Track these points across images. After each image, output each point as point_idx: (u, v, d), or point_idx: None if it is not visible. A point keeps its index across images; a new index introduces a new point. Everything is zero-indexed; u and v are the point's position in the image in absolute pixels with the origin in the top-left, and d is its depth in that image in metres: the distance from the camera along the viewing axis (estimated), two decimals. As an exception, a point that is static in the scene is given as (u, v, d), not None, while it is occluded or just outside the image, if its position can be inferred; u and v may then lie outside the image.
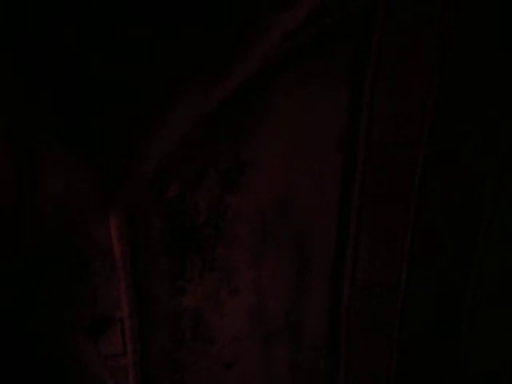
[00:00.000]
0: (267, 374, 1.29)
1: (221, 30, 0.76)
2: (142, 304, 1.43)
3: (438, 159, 1.17)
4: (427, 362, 1.14)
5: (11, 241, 0.69)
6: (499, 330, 1.18)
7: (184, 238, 1.37)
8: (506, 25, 1.08)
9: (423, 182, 1.16)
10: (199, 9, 0.73)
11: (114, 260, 1.29)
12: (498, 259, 1.17)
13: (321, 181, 1.17)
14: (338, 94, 1.14)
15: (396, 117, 1.16)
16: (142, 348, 1.43)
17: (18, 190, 0.60)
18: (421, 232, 1.18)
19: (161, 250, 1.39)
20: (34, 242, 0.76)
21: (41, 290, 0.97)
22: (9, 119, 0.57)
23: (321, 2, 1.04)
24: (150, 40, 0.71)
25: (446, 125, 1.16)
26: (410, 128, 1.15)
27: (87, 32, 0.64)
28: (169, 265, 1.41)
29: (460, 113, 1.16)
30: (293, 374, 1.26)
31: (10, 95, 0.59)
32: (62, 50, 0.62)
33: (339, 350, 1.15)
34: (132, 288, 1.42)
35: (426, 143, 1.16)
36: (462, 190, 1.15)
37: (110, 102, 0.69)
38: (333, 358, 1.18)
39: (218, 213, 1.27)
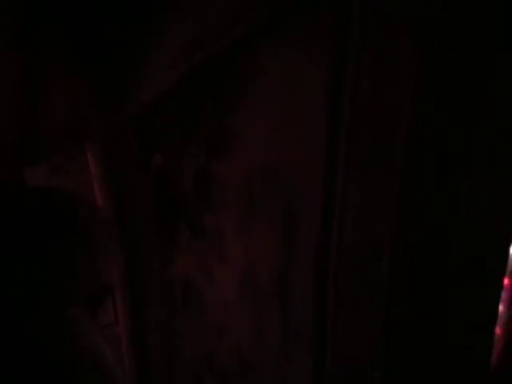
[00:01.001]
0: (259, 338, 1.32)
1: None
2: (133, 276, 1.44)
3: (421, 124, 1.17)
4: (414, 333, 1.16)
5: (9, 162, 0.67)
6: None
7: (171, 207, 1.37)
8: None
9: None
10: None
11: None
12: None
13: (308, 145, 1.17)
14: (323, 57, 1.13)
15: (381, 80, 1.15)
16: (133, 318, 1.46)
17: (24, 106, 0.59)
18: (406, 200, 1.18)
19: (148, 222, 1.39)
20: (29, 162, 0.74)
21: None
22: (16, 35, 0.57)
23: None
24: None
25: (431, 90, 1.16)
26: (394, 92, 1.14)
27: None
28: (157, 235, 1.42)
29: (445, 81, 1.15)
30: (284, 338, 1.29)
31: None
32: None
33: (326, 313, 1.17)
34: (122, 261, 1.43)
35: (410, 108, 1.15)
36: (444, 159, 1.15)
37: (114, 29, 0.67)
38: (320, 321, 1.21)
39: (203, 180, 1.26)
